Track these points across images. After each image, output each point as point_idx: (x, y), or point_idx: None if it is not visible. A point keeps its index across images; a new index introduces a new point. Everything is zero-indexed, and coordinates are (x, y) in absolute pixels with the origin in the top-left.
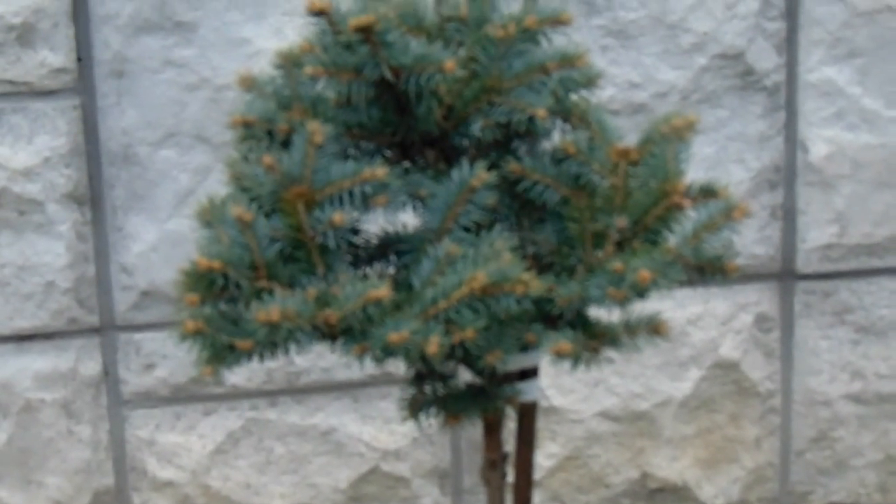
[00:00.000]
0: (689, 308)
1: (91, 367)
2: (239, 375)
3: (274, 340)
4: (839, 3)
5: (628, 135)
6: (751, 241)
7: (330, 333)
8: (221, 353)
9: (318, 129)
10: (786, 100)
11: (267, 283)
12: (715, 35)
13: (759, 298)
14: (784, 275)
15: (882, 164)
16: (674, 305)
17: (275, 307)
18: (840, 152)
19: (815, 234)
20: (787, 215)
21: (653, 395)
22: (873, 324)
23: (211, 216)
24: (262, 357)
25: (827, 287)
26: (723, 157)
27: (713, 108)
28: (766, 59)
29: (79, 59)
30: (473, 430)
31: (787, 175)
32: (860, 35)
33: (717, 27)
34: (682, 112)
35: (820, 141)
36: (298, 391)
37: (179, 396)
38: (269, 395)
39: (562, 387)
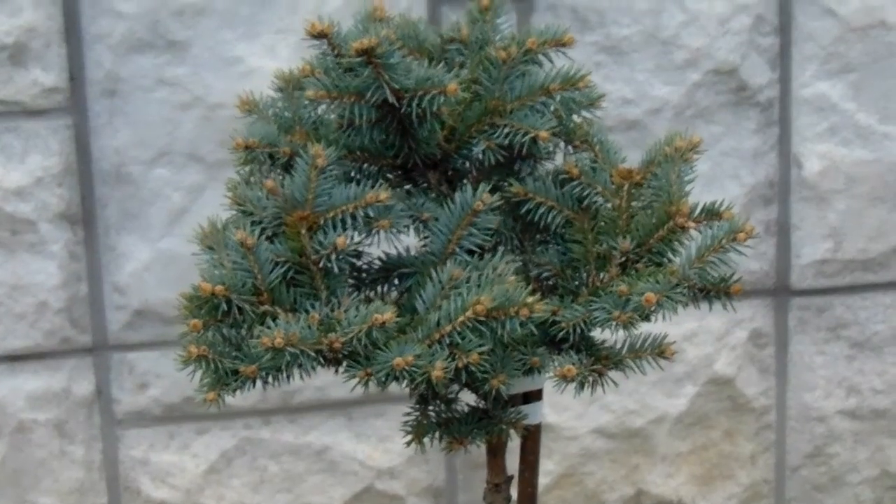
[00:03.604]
0: (684, 324)
1: (84, 386)
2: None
3: (278, 365)
4: (832, 18)
5: (622, 150)
6: (745, 257)
7: (334, 358)
8: (225, 379)
9: (320, 153)
10: (779, 115)
11: (270, 307)
12: (708, 51)
13: (753, 314)
14: (779, 290)
15: (876, 179)
16: (669, 322)
17: (278, 332)
18: (834, 167)
19: (810, 249)
20: (782, 231)
21: (648, 411)
22: (868, 339)
23: (212, 240)
24: (265, 382)
25: (822, 302)
26: (717, 172)
27: (707, 124)
28: (759, 75)
29: (71, 79)
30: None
31: (781, 190)
32: (854, 50)
33: (711, 43)
34: (686, 133)
35: (814, 156)
36: (292, 410)
37: (173, 416)
38: (263, 413)
39: (557, 404)
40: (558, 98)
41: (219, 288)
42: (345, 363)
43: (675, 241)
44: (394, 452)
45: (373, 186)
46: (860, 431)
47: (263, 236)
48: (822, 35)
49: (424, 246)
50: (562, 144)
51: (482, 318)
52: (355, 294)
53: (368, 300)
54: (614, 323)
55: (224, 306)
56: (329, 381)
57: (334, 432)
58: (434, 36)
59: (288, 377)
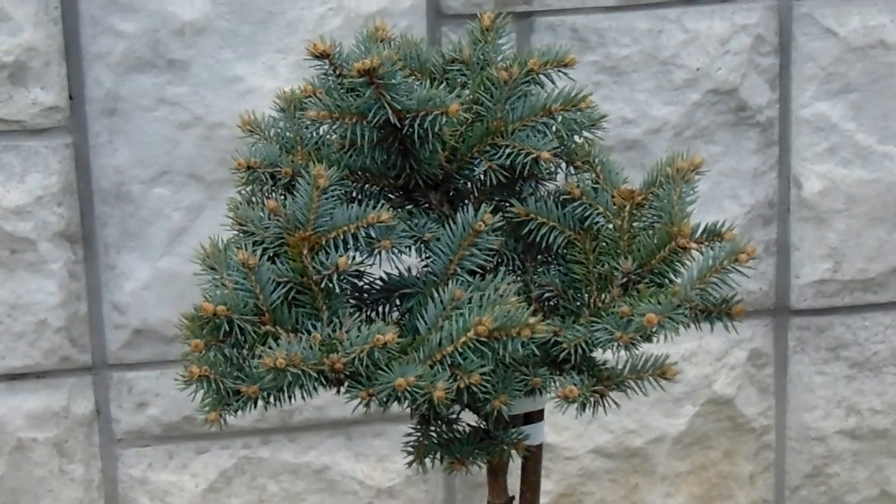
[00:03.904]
0: (683, 344)
1: (83, 405)
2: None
3: (279, 386)
4: (832, 38)
5: (622, 171)
6: (746, 278)
7: (336, 379)
8: (226, 399)
9: (322, 173)
10: (779, 135)
11: (272, 328)
12: (708, 71)
13: (753, 334)
14: (778, 310)
15: (876, 199)
16: (668, 342)
17: (280, 352)
18: (834, 188)
19: (809, 269)
20: (781, 251)
21: (647, 431)
22: (868, 359)
23: (214, 260)
24: (267, 402)
25: (821, 322)
26: (717, 192)
27: (706, 144)
28: (759, 95)
29: (71, 98)
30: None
31: (780, 210)
32: (853, 70)
33: (710, 63)
34: (687, 153)
35: (813, 176)
36: (291, 429)
37: (172, 435)
38: (262, 433)
39: (556, 424)
40: (560, 118)
41: (220, 308)
42: (346, 384)
43: (677, 262)
44: (393, 472)
45: (374, 207)
46: (860, 452)
47: (265, 256)
48: (822, 55)
49: (426, 266)
50: (563, 165)
51: (484, 339)
52: (357, 314)
53: (370, 320)
54: (616, 344)
55: (226, 326)
56: (328, 401)
57: (333, 452)
58: (436, 56)
59: (289, 397)
